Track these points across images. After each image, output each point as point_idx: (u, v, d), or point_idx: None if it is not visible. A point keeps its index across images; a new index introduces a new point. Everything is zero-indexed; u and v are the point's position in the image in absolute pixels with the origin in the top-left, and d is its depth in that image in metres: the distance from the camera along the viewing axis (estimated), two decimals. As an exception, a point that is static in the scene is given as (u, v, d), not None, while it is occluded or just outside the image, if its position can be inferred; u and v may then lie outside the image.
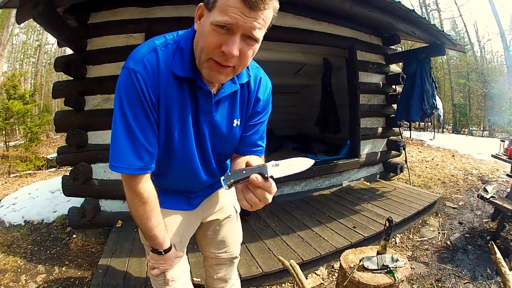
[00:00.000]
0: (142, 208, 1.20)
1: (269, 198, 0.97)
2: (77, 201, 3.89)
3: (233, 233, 1.72)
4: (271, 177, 0.95)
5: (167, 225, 1.35)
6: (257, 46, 1.04)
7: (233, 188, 1.45)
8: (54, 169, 8.43)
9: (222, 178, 0.96)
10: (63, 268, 3.12)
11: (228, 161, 1.54)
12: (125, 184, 1.18)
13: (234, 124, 1.31)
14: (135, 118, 1.08)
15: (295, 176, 4.61)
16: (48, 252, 3.44)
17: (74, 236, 3.67)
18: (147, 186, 1.19)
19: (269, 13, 0.97)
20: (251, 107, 1.32)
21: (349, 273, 2.11)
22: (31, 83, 20.44)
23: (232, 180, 0.95)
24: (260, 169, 0.95)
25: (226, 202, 1.65)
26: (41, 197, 4.92)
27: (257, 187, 0.94)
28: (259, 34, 0.98)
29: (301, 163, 1.00)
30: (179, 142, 1.23)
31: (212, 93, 1.18)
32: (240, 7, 0.91)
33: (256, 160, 1.35)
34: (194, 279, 2.46)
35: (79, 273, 3.04)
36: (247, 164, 1.02)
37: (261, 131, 1.42)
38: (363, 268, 2.13)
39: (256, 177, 0.93)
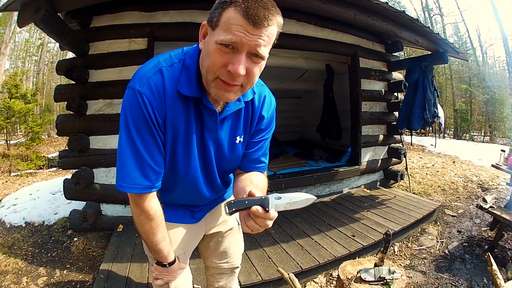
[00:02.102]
0: (148, 225, 1.22)
1: (270, 224, 1.01)
2: (78, 204, 3.91)
3: (235, 244, 1.74)
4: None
5: (171, 238, 1.37)
6: (263, 63, 1.04)
7: None
8: (54, 168, 8.44)
9: (225, 204, 0.99)
10: (64, 272, 3.14)
11: (231, 175, 1.55)
12: (132, 202, 1.20)
13: (237, 141, 1.32)
14: (141, 138, 1.09)
15: (296, 183, 4.68)
16: (49, 254, 3.46)
17: (75, 239, 3.68)
18: (153, 203, 1.21)
19: (273, 29, 0.97)
20: (255, 124, 1.33)
21: (347, 284, 2.14)
22: (33, 82, 20.51)
23: (233, 209, 0.98)
24: (262, 201, 0.98)
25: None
26: (42, 198, 4.93)
27: (258, 217, 0.98)
28: (264, 51, 0.98)
29: (303, 200, 1.02)
30: (183, 161, 1.24)
31: (217, 112, 1.19)
32: (244, 24, 0.91)
33: (258, 178, 1.37)
34: (195, 286, 2.48)
35: (80, 277, 3.06)
36: (250, 194, 1.04)
37: (264, 148, 1.44)
38: (361, 280, 2.15)
39: (257, 209, 0.96)
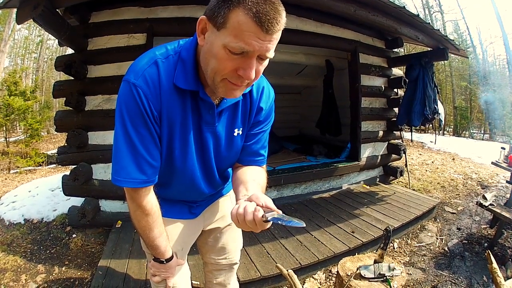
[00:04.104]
0: (144, 220, 1.21)
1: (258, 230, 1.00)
2: (77, 200, 3.90)
3: (233, 240, 1.73)
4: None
5: (168, 234, 1.35)
6: (268, 60, 1.02)
7: (234, 197, 1.46)
8: (54, 165, 8.42)
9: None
10: (63, 268, 3.13)
11: (229, 169, 1.54)
12: (128, 196, 1.18)
13: (235, 134, 1.30)
14: (136, 132, 1.07)
15: (295, 179, 4.67)
16: (48, 251, 3.46)
17: (74, 235, 3.68)
18: (149, 198, 1.20)
19: (281, 31, 0.95)
20: (253, 116, 1.32)
21: (346, 281, 2.13)
22: (33, 79, 20.49)
23: None
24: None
25: (227, 211, 1.65)
26: (41, 195, 4.93)
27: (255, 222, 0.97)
28: (272, 53, 0.97)
29: (294, 224, 0.98)
30: (180, 155, 1.23)
31: (215, 105, 1.17)
32: (256, 31, 0.88)
33: (257, 173, 1.36)
34: (193, 282, 2.47)
35: (78, 274, 3.06)
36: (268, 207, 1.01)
37: (263, 140, 1.42)
38: (360, 277, 2.14)
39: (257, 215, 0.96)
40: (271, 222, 0.96)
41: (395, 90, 5.91)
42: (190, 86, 1.10)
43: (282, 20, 0.92)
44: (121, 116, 1.07)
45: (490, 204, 3.63)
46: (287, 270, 2.13)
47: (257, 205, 0.98)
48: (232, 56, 0.93)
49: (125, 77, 1.06)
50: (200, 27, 1.01)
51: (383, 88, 5.68)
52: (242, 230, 1.74)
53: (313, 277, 3.06)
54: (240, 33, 0.89)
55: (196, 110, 1.17)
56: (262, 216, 0.95)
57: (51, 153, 9.38)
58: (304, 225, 0.96)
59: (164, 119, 1.12)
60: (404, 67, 5.51)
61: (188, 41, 1.13)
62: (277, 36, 0.94)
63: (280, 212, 0.98)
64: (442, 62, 19.21)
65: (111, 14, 3.75)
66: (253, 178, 1.28)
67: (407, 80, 5.20)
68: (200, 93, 1.12)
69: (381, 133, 5.72)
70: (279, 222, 0.95)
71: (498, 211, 3.55)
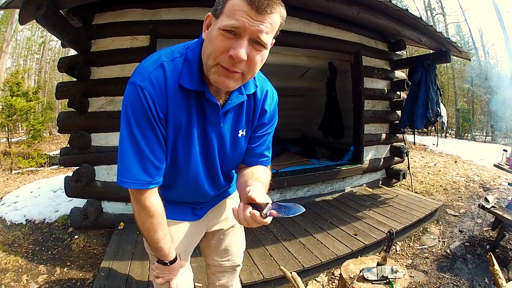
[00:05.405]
0: (149, 222, 1.20)
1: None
2: (79, 201, 3.89)
3: (236, 242, 1.73)
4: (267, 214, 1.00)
5: (172, 236, 1.35)
6: (266, 52, 1.03)
7: (237, 198, 1.48)
8: (56, 166, 8.43)
9: None
10: (65, 269, 3.13)
11: (233, 171, 1.54)
12: (133, 198, 1.18)
13: (240, 134, 1.31)
14: (142, 134, 1.08)
15: (298, 181, 4.67)
16: (50, 252, 3.45)
17: (76, 237, 3.67)
18: (154, 200, 1.20)
19: (276, 18, 0.97)
20: (257, 118, 1.32)
21: (349, 283, 2.12)
22: (35, 80, 20.55)
23: None
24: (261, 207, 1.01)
25: (230, 212, 1.65)
26: (43, 196, 4.92)
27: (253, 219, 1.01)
28: (267, 39, 0.98)
29: (293, 209, 1.03)
30: (184, 156, 1.23)
31: (219, 106, 1.17)
32: (247, 10, 0.92)
33: (260, 171, 1.37)
34: (196, 284, 2.47)
35: (80, 275, 3.05)
36: (250, 199, 1.05)
37: (267, 142, 1.43)
38: (363, 279, 2.14)
39: (254, 213, 1.00)
40: (270, 217, 1.00)
41: (398, 92, 5.90)
42: (195, 86, 1.10)
43: (276, 7, 0.96)
44: (127, 118, 1.07)
45: (492, 206, 3.62)
46: (291, 273, 2.13)
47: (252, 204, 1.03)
48: (226, 36, 0.96)
49: (131, 80, 1.07)
50: (206, 23, 1.07)
51: (386, 90, 5.65)
52: (245, 232, 1.76)
53: (315, 280, 3.05)
54: (233, 13, 0.93)
55: (201, 111, 1.17)
56: (260, 215, 0.98)
57: (53, 154, 9.39)
58: (304, 210, 1.02)
59: (170, 121, 1.13)
60: (407, 69, 5.51)
61: (194, 42, 1.15)
62: (271, 20, 0.96)
63: (270, 201, 1.03)
64: (444, 64, 19.24)
65: (114, 16, 3.75)
66: (257, 177, 1.29)
67: (409, 83, 5.20)
68: (205, 93, 1.12)
69: (384, 135, 5.71)
70: (280, 215, 1.00)
71: (500, 213, 3.54)
